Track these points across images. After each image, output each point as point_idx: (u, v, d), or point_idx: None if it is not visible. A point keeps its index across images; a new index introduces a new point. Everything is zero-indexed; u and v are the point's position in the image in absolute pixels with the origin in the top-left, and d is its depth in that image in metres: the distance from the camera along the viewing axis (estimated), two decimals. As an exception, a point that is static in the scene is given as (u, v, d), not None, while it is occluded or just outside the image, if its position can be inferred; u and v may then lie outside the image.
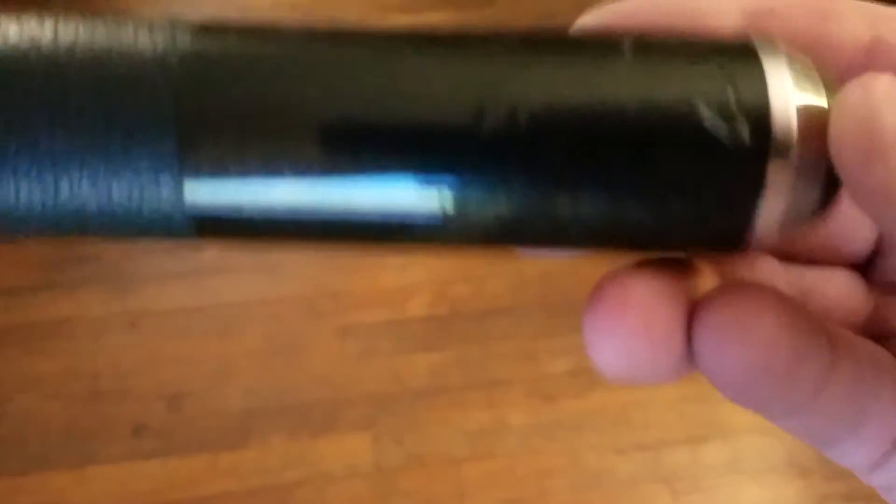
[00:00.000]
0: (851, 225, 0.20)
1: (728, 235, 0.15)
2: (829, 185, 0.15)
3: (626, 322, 0.15)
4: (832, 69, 0.16)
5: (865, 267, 0.20)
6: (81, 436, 0.99)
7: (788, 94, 0.15)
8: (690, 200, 0.15)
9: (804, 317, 0.16)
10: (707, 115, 0.14)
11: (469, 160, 0.14)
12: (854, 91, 0.15)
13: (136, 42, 0.14)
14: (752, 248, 0.16)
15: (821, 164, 0.15)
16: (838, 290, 0.20)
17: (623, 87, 0.15)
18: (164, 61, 0.14)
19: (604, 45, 0.15)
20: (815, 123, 0.15)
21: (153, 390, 1.02)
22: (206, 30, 0.15)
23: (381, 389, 1.02)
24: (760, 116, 0.15)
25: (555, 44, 0.15)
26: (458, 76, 0.15)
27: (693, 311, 0.16)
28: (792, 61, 0.15)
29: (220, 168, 0.14)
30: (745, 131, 0.14)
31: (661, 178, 0.15)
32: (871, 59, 0.17)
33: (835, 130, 0.14)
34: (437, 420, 1.00)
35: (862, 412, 0.16)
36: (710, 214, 0.15)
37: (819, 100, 0.15)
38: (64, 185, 0.14)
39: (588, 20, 0.17)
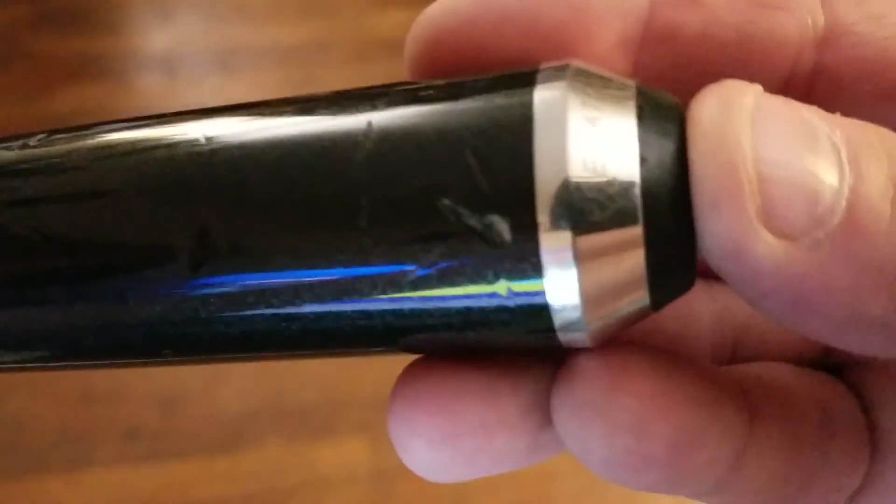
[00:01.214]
0: None
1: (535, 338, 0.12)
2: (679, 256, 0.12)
3: (439, 421, 0.13)
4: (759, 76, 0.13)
5: None
6: (74, 439, 0.97)
7: (561, 163, 0.11)
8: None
9: (700, 384, 0.12)
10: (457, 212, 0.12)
11: None
12: (708, 111, 0.11)
13: None
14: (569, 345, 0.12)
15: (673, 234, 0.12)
16: None
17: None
18: None
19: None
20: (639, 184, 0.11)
21: (147, 393, 1.01)
22: None
23: (380, 392, 1.01)
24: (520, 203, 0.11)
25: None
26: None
27: (552, 387, 0.13)
28: (590, 104, 0.12)
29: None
30: (502, 227, 0.11)
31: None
32: (824, 54, 0.13)
33: (695, 172, 0.11)
34: (437, 423, 0.99)
35: (807, 480, 0.13)
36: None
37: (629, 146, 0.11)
38: None
39: (422, 31, 0.14)
